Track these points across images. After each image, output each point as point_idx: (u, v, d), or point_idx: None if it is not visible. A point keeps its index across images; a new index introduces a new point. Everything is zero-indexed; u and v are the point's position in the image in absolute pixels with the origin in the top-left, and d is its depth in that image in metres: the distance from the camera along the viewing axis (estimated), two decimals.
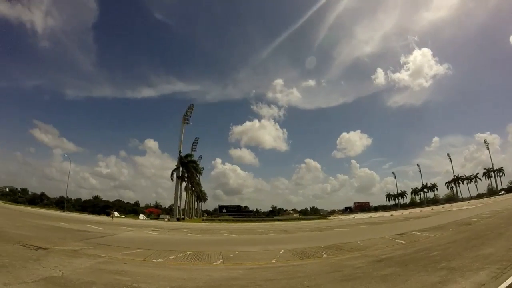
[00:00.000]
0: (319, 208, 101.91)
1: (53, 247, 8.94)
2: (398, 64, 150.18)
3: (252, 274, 6.88)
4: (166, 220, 50.26)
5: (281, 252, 10.18)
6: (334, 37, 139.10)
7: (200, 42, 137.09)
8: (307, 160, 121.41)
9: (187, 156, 60.17)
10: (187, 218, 56.81)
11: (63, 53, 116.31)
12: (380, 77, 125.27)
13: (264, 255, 9.64)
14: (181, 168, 57.81)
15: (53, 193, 73.72)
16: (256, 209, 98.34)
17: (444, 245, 9.38)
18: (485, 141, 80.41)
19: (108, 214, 47.05)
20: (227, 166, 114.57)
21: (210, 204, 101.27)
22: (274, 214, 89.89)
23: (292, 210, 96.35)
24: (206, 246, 13.00)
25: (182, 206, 58.37)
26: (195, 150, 71.62)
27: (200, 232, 22.00)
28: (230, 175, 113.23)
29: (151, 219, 52.66)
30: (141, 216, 53.73)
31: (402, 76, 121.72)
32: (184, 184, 60.37)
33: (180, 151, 60.00)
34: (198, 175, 66.95)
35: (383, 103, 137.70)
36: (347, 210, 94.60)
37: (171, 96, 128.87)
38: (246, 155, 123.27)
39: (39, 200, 68.10)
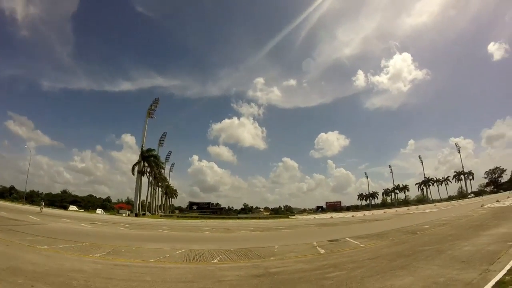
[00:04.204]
0: (293, 207, 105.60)
1: None
2: (379, 67, 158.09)
3: (102, 269, 7.19)
4: (124, 215, 52.59)
5: (177, 252, 10.22)
6: (316, 37, 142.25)
7: (182, 37, 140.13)
8: (285, 159, 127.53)
9: (148, 150, 61.78)
10: (149, 214, 59.02)
11: (41, 43, 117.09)
12: (360, 79, 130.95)
13: (157, 254, 9.72)
14: (142, 163, 59.45)
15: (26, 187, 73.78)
16: (229, 206, 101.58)
17: (360, 262, 8.17)
18: (456, 145, 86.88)
19: (64, 208, 49.91)
20: (204, 163, 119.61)
21: (186, 201, 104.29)
22: (246, 212, 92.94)
23: (263, 208, 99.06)
24: (117, 240, 13.57)
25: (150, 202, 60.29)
26: (162, 145, 74.54)
27: (137, 227, 23.16)
28: (207, 172, 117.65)
29: (110, 214, 54.92)
30: (99, 211, 56.02)
31: (382, 79, 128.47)
32: (147, 179, 62.53)
33: (142, 146, 61.49)
34: (160, 170, 69.07)
35: (361, 105, 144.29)
36: (319, 210, 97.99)
37: (150, 90, 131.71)
38: (224, 152, 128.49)
39: (8, 193, 69.37)
